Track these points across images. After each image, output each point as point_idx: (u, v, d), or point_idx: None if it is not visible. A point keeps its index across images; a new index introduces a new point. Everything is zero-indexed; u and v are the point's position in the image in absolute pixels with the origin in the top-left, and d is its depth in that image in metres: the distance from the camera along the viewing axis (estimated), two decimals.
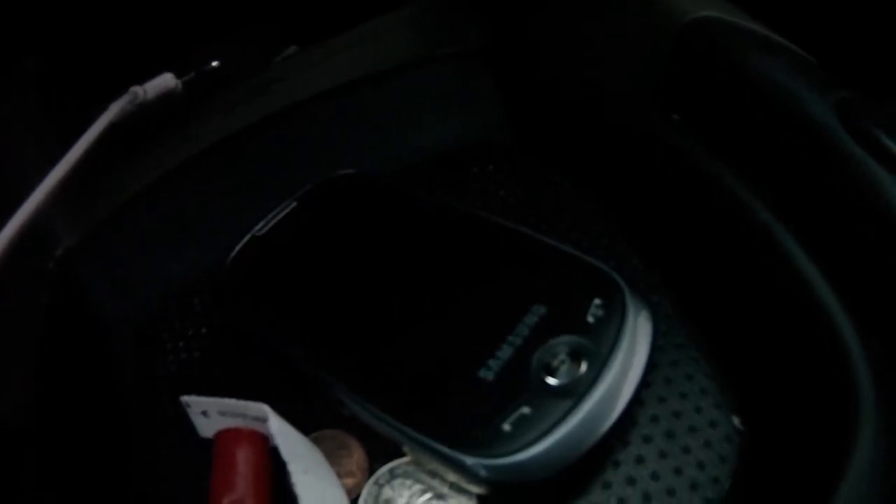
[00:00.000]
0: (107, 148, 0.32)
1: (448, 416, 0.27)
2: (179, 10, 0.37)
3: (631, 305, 0.28)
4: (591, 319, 0.28)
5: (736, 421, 0.29)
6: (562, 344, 0.28)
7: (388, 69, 0.40)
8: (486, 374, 0.27)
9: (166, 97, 0.35)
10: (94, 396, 0.32)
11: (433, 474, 0.28)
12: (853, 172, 0.27)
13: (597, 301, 0.29)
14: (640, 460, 0.29)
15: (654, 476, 0.28)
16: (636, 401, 0.27)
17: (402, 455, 0.28)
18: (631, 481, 0.28)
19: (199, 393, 0.28)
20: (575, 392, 0.26)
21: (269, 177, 0.37)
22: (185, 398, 0.28)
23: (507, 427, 0.26)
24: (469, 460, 0.26)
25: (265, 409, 0.27)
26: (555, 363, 0.27)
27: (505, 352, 0.28)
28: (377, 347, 0.30)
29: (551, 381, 0.27)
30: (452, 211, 0.34)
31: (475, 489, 0.27)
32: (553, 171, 0.39)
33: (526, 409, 0.26)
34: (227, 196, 0.37)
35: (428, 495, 0.28)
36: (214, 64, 0.38)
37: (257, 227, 0.35)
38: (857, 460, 0.23)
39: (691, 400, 0.30)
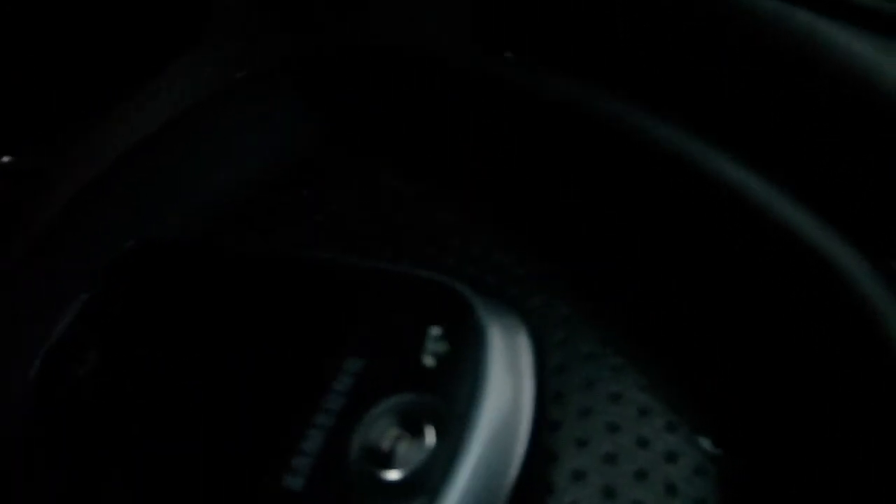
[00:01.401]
0: None
1: None
2: None
3: (488, 322, 0.19)
4: (429, 362, 0.19)
5: (705, 443, 0.21)
6: (389, 410, 0.18)
7: (174, 117, 0.35)
8: (293, 483, 0.18)
9: None
10: None
11: None
12: (776, 32, 0.21)
13: (435, 331, 0.19)
14: None
15: None
16: (535, 464, 0.18)
17: None
18: None
19: None
20: (425, 484, 0.17)
21: (79, 269, 0.31)
22: None
23: None
24: None
25: None
26: (385, 444, 0.18)
27: (313, 441, 0.18)
28: (165, 480, 0.21)
29: (385, 474, 0.17)
30: (243, 261, 0.26)
31: None
32: (385, 176, 0.31)
33: None
34: (38, 304, 0.30)
35: None
36: (5, 160, 0.35)
37: (53, 336, 0.27)
38: None
39: (627, 431, 0.21)
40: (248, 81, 0.35)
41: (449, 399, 0.18)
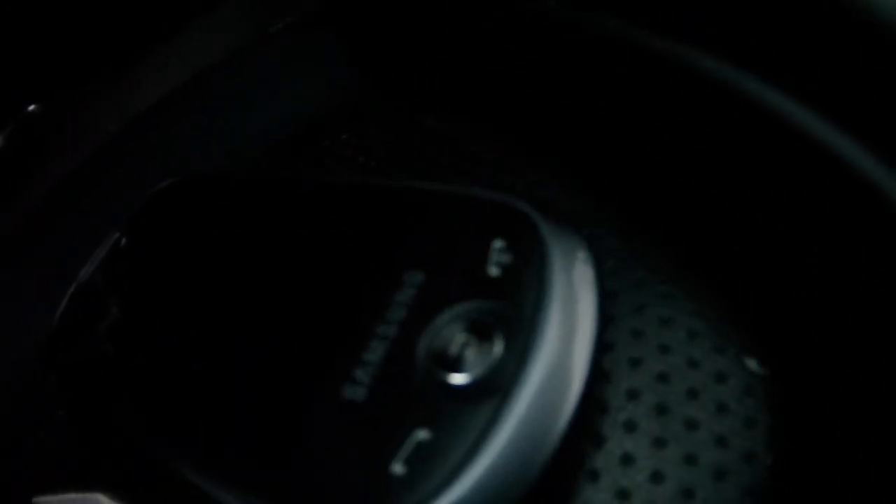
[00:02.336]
0: None
1: (312, 475, 0.18)
2: None
3: (551, 238, 0.19)
4: (494, 272, 0.19)
5: (752, 364, 0.21)
6: (456, 318, 0.19)
7: (216, 62, 0.35)
8: (354, 393, 0.18)
9: None
10: None
11: None
12: None
13: (498, 244, 0.19)
14: (627, 460, 0.20)
15: (656, 477, 0.20)
16: (594, 378, 0.18)
17: None
18: (623, 495, 0.20)
19: (65, 486, 0.24)
20: (494, 388, 0.17)
21: (115, 211, 0.30)
22: (36, 500, 0.24)
23: (398, 469, 0.17)
24: None
25: (101, 500, 0.22)
26: (453, 350, 0.18)
27: (375, 352, 0.19)
28: (219, 399, 0.21)
29: (454, 378, 0.18)
30: (292, 187, 0.27)
31: None
32: (425, 116, 0.31)
33: (423, 434, 0.17)
34: (71, 250, 0.30)
35: None
36: (32, 108, 0.34)
37: (82, 273, 0.28)
38: None
39: (678, 352, 0.22)
40: (285, 29, 0.36)
41: (516, 305, 0.18)
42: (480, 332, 0.18)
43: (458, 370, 0.18)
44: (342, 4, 0.35)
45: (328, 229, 0.24)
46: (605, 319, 0.19)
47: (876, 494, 0.18)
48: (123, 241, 0.28)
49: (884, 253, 0.19)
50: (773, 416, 0.21)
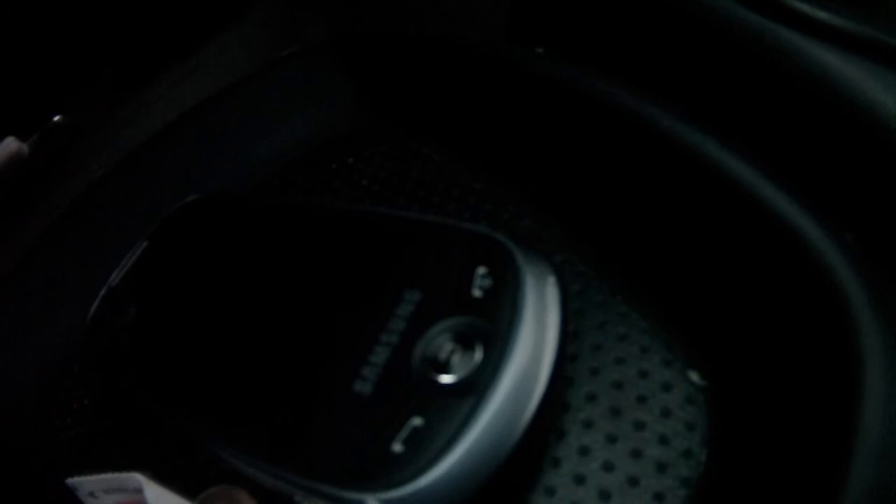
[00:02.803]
0: None
1: (326, 449, 0.22)
2: (13, 70, 0.35)
3: (524, 265, 0.23)
4: (477, 293, 0.23)
5: (694, 376, 0.25)
6: (446, 329, 0.22)
7: (229, 85, 0.37)
8: (363, 388, 0.22)
9: (13, 162, 0.33)
10: None
11: None
12: (760, 45, 0.24)
13: (481, 270, 0.23)
14: (584, 451, 0.24)
15: (607, 466, 0.24)
16: (557, 382, 0.22)
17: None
18: (579, 479, 0.24)
19: (94, 469, 0.26)
20: (475, 386, 0.21)
21: (133, 223, 0.34)
22: (70, 481, 0.26)
23: (398, 448, 0.20)
24: (360, 497, 0.20)
25: (139, 478, 0.25)
26: (442, 355, 0.22)
27: (380, 355, 0.23)
28: (242, 386, 0.25)
29: (442, 378, 0.21)
30: (302, 212, 0.30)
31: None
32: (422, 146, 0.34)
33: (417, 421, 0.21)
34: (93, 254, 0.34)
35: None
36: (57, 118, 0.36)
37: (111, 278, 0.31)
38: (868, 390, 0.19)
39: (631, 364, 0.25)
40: (295, 56, 0.38)
41: (494, 322, 0.22)
42: (465, 341, 0.22)
43: (446, 372, 0.22)
44: (346, 38, 0.38)
45: (339, 250, 0.27)
46: (569, 335, 0.23)
47: (791, 486, 0.21)
48: (149, 249, 0.31)
49: (799, 296, 0.22)
50: (710, 420, 0.24)
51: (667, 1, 0.26)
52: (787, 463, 0.21)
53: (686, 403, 0.24)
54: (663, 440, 0.24)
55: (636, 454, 0.24)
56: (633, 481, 0.23)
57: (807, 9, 0.23)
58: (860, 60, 0.22)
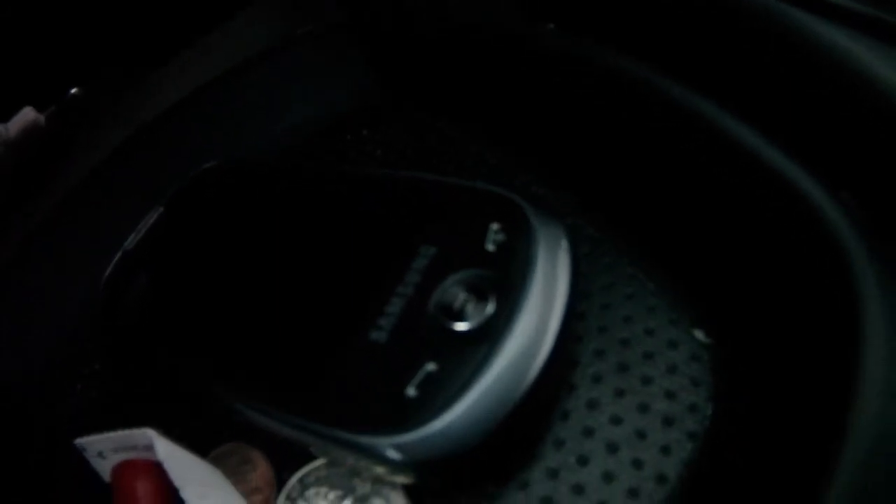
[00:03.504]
0: None
1: (342, 396, 0.22)
2: (32, 42, 0.35)
3: (536, 223, 0.24)
4: (491, 247, 0.24)
5: (699, 334, 0.26)
6: (460, 280, 0.23)
7: (249, 58, 0.38)
8: (379, 336, 0.23)
9: (30, 133, 0.33)
10: None
11: (351, 474, 0.24)
12: (768, 22, 0.24)
13: (494, 226, 0.24)
14: (592, 405, 0.25)
15: (615, 420, 0.24)
16: (567, 334, 0.22)
17: (312, 459, 0.24)
18: (588, 432, 0.24)
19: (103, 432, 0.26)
20: (488, 334, 0.22)
21: (150, 191, 0.34)
22: (79, 441, 0.26)
23: (412, 392, 0.21)
24: (375, 441, 0.21)
25: (149, 434, 0.24)
26: (457, 304, 0.23)
27: (395, 305, 0.23)
28: (259, 340, 0.25)
29: (457, 326, 0.22)
30: (320, 176, 0.30)
31: (399, 479, 0.22)
32: (436, 120, 0.35)
33: (432, 367, 0.22)
34: (109, 220, 0.34)
35: (348, 501, 0.24)
36: (74, 91, 0.36)
37: (127, 242, 0.31)
38: (869, 336, 0.20)
39: (638, 322, 0.26)
40: (312, 33, 0.39)
41: (507, 274, 0.23)
42: (479, 292, 0.23)
43: (460, 320, 0.22)
44: (362, 14, 0.39)
45: (359, 210, 0.28)
46: (578, 290, 0.23)
47: (797, 437, 0.21)
48: (165, 214, 0.32)
49: (799, 252, 0.23)
50: (715, 376, 0.25)
51: None
52: (791, 414, 0.22)
53: (691, 360, 0.25)
54: (669, 395, 0.24)
55: (643, 408, 0.24)
56: (641, 434, 0.24)
57: None
58: (867, 39, 0.23)
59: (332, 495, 0.24)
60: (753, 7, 0.25)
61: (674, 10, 0.27)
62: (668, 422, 0.24)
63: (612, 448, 0.24)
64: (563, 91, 0.30)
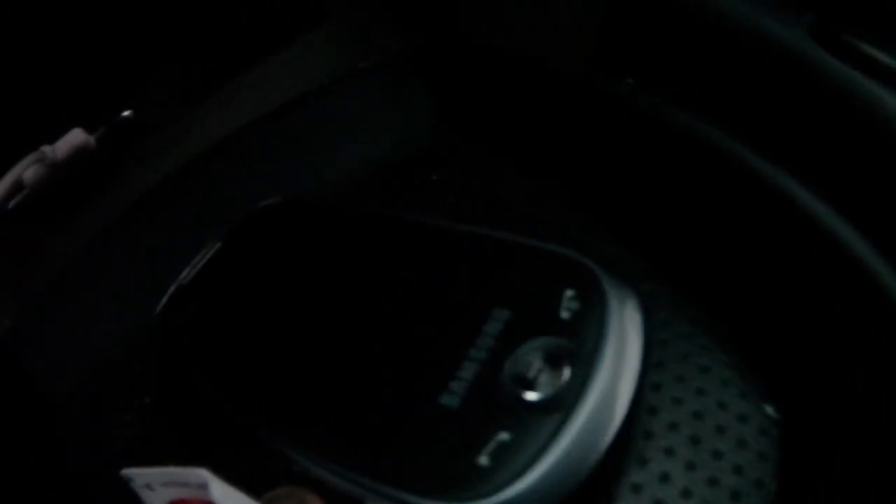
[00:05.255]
0: (26, 220, 0.32)
1: (410, 458, 0.22)
2: (86, 61, 0.35)
3: (611, 291, 0.24)
4: (565, 315, 0.24)
5: (769, 409, 0.26)
6: (535, 349, 0.24)
7: (310, 90, 0.38)
8: (450, 401, 0.23)
9: (79, 155, 0.32)
10: (38, 478, 0.28)
11: None
12: (843, 93, 0.24)
13: (569, 293, 0.24)
14: (665, 478, 0.25)
15: (686, 494, 0.25)
16: (639, 404, 0.23)
17: None
18: None
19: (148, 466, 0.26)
20: (561, 404, 0.22)
21: (203, 222, 0.34)
22: (126, 471, 0.25)
23: (483, 461, 0.21)
24: None
25: (205, 474, 0.24)
26: (531, 373, 0.23)
27: (468, 370, 0.24)
28: (323, 391, 0.26)
29: (530, 395, 0.23)
30: (390, 224, 0.30)
31: None
32: (506, 166, 0.35)
33: (504, 436, 0.22)
34: (160, 251, 0.34)
35: None
36: (126, 113, 0.35)
37: (182, 275, 0.31)
38: None
39: (712, 395, 0.26)
40: (376, 67, 0.39)
41: (581, 343, 0.23)
42: (552, 361, 0.23)
43: (533, 389, 0.23)
44: (429, 50, 0.38)
45: (429, 263, 0.28)
46: (651, 358, 0.24)
47: None
48: (222, 250, 0.32)
49: (872, 332, 0.23)
50: (782, 452, 0.25)
51: (756, 47, 0.27)
52: (855, 498, 0.22)
53: (760, 435, 0.25)
54: (737, 470, 0.25)
55: (713, 482, 0.25)
56: None
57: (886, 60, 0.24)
58: None
59: None
60: (832, 76, 0.25)
61: (752, 72, 0.27)
62: (734, 497, 0.24)
63: None
64: (640, 150, 0.30)
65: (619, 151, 0.30)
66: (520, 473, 0.21)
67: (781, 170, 0.26)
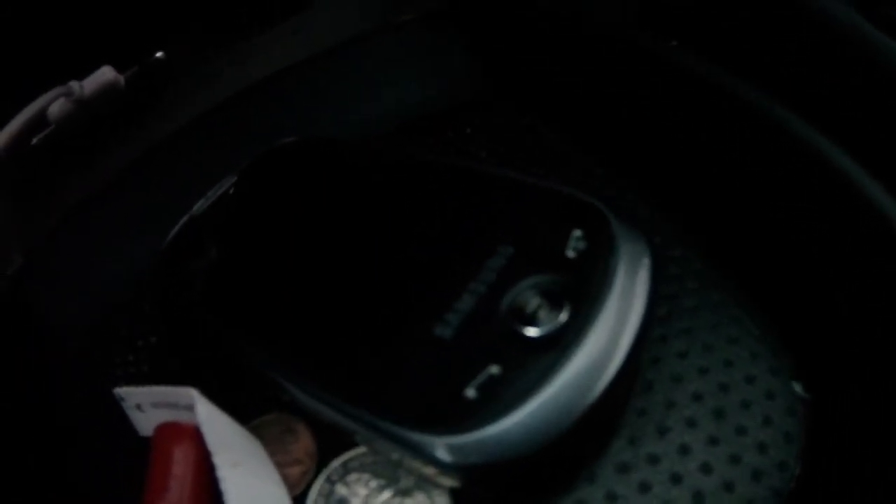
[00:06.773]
0: (52, 155, 0.32)
1: (396, 387, 0.22)
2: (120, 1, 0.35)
3: (619, 233, 0.23)
4: (571, 254, 0.23)
5: (798, 387, 0.24)
6: (536, 285, 0.22)
7: (349, 39, 0.38)
8: (444, 332, 0.22)
9: (107, 94, 0.32)
10: (38, 410, 0.29)
11: (395, 466, 0.23)
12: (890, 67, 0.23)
13: (577, 233, 0.23)
14: (684, 451, 0.24)
15: (705, 469, 0.23)
16: (639, 353, 0.21)
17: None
18: (676, 479, 0.23)
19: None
20: (557, 343, 0.21)
21: (228, 164, 0.33)
22: (118, 390, 0.25)
23: (471, 393, 0.20)
24: (425, 439, 0.20)
25: (192, 393, 0.23)
26: (529, 309, 0.22)
27: (465, 302, 0.23)
28: (323, 322, 0.25)
29: (526, 331, 0.21)
30: (402, 162, 0.30)
31: (445, 482, 0.21)
32: (544, 124, 0.35)
33: (495, 369, 0.21)
34: (180, 192, 0.33)
35: (388, 492, 0.23)
36: (159, 55, 0.35)
37: (195, 207, 0.30)
38: None
39: (739, 368, 0.25)
40: (413, 21, 0.38)
41: (584, 283, 0.22)
42: (552, 299, 0.22)
43: (530, 325, 0.21)
44: (467, 6, 0.38)
45: (437, 201, 0.27)
46: (655, 310, 0.22)
47: None
48: (237, 184, 0.31)
49: None
50: (808, 434, 0.24)
51: (804, 15, 0.26)
52: (877, 486, 0.21)
53: (787, 414, 0.24)
54: (761, 448, 0.23)
55: (734, 460, 0.23)
56: (728, 487, 0.23)
57: None
58: None
59: (373, 483, 0.23)
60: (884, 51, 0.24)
61: (793, 35, 0.26)
62: (756, 476, 0.23)
63: (699, 497, 0.23)
64: (683, 113, 0.29)
65: (657, 113, 0.29)
66: (506, 410, 0.20)
67: (827, 139, 0.24)
